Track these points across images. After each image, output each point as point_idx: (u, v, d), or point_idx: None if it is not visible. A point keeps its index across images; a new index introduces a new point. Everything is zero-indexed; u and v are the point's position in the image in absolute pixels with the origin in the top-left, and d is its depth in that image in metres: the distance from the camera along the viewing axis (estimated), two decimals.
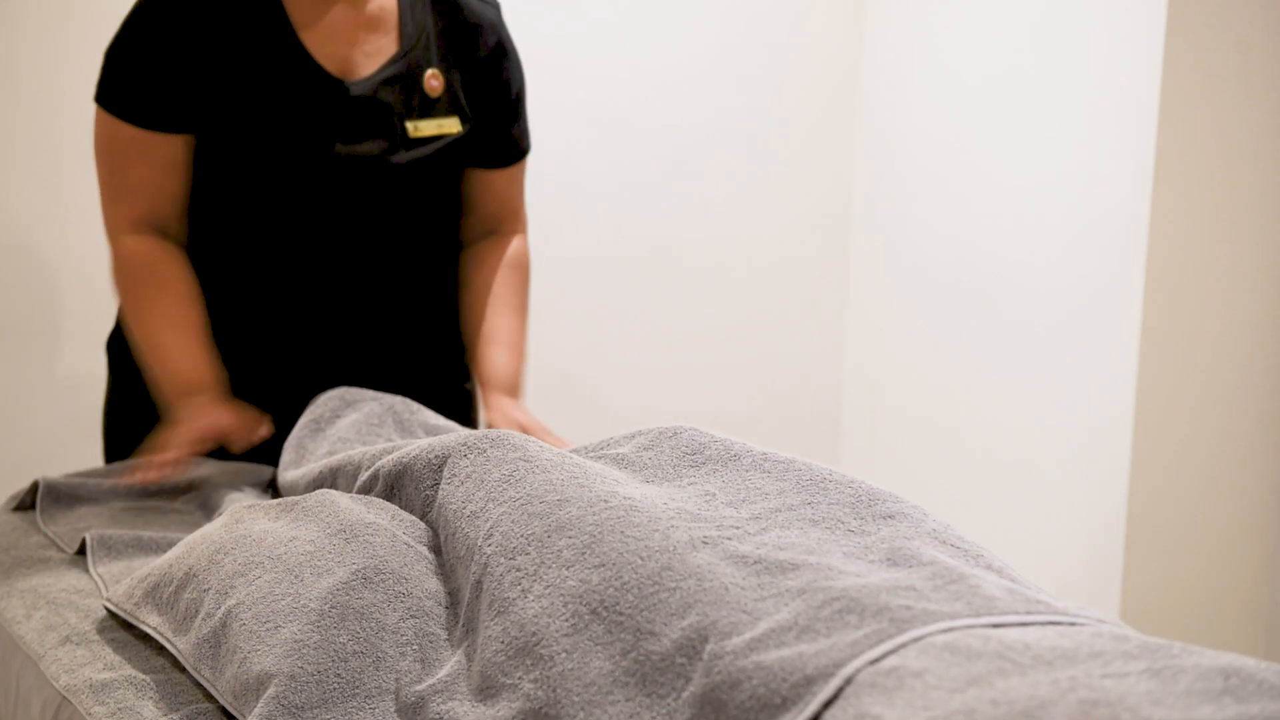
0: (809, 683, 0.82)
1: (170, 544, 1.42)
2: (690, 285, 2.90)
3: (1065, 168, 2.52)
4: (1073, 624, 0.90)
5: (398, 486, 1.26)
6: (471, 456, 1.19)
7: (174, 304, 1.62)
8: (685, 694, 0.88)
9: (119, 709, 1.12)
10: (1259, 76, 2.36)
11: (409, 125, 1.64)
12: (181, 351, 1.61)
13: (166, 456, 1.55)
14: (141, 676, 1.17)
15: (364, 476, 1.31)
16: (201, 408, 1.58)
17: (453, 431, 1.47)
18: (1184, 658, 0.80)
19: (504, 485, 1.12)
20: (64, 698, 1.17)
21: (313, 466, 1.42)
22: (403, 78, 1.64)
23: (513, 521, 1.07)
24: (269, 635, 1.07)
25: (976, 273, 2.72)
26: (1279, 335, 2.45)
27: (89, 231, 1.92)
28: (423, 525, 1.21)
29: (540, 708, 0.93)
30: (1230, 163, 2.38)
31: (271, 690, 1.02)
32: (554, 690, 0.93)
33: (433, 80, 1.65)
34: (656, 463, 1.20)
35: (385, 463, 1.28)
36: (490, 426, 1.66)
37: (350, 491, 1.32)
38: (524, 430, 1.59)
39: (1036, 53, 2.58)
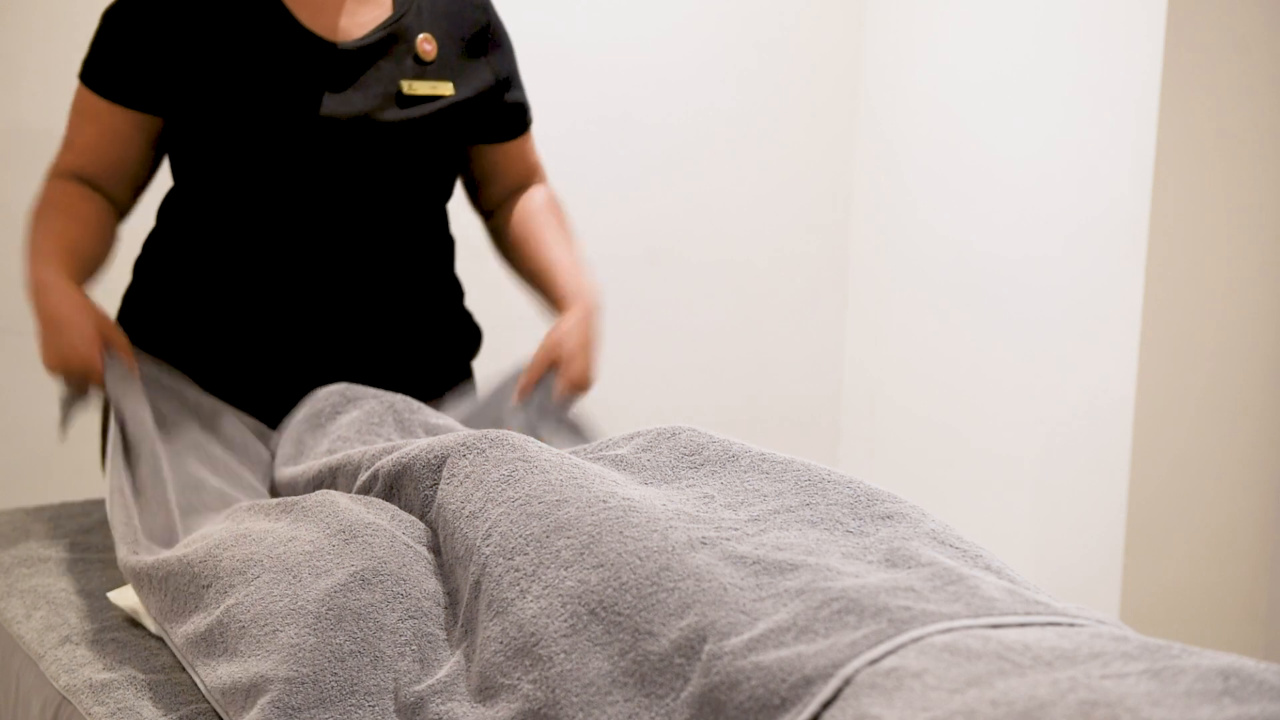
0: (808, 683, 0.82)
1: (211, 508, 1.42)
2: (689, 284, 2.90)
3: (1065, 166, 2.52)
4: (1072, 625, 0.90)
5: (397, 487, 1.26)
6: (470, 457, 1.19)
7: (70, 223, 1.60)
8: (684, 694, 0.88)
9: (119, 709, 1.12)
10: (1259, 76, 2.36)
11: (403, 84, 1.64)
12: (53, 246, 1.57)
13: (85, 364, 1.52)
14: (141, 676, 1.17)
15: (363, 476, 1.31)
16: (63, 306, 1.54)
17: (453, 431, 1.47)
18: (1184, 658, 0.80)
19: (503, 485, 1.12)
20: (64, 698, 1.17)
21: (312, 465, 1.42)
22: (395, 40, 1.65)
23: (511, 522, 1.07)
24: (267, 640, 1.07)
25: (976, 271, 2.72)
26: (1279, 334, 2.45)
27: None
28: (422, 525, 1.21)
29: (539, 708, 0.93)
30: (1230, 162, 2.38)
31: (267, 696, 1.02)
32: (553, 691, 0.93)
33: (425, 44, 1.66)
34: (655, 464, 1.20)
35: (385, 463, 1.28)
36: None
37: (350, 491, 1.32)
38: (557, 351, 1.66)
39: (1036, 52, 2.58)
